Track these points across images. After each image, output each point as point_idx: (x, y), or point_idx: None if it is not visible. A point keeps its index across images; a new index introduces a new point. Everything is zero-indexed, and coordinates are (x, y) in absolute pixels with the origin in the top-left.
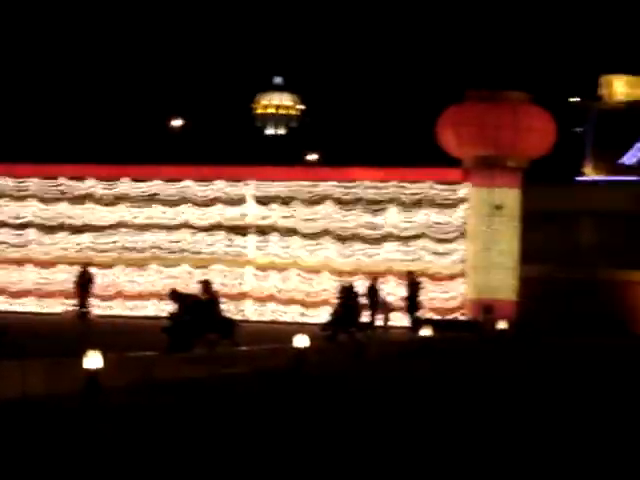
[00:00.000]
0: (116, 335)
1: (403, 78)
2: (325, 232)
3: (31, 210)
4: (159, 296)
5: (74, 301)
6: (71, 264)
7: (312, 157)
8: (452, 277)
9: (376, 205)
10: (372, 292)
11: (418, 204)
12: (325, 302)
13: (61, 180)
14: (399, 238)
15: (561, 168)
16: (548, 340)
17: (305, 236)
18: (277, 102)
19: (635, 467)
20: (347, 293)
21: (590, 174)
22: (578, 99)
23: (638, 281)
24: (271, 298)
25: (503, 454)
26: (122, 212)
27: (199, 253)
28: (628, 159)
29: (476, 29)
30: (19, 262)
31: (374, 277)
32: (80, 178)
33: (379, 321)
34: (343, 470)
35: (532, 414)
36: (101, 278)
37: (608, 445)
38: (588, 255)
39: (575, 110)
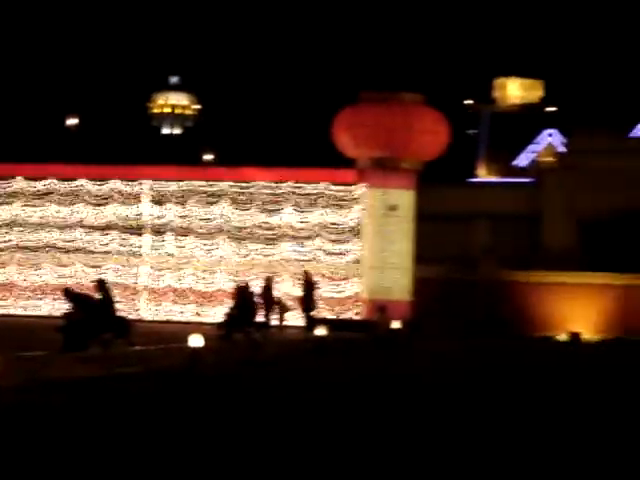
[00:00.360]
0: (10, 334)
1: (299, 79)
2: (220, 231)
3: None
4: (53, 295)
5: None
6: None
7: (208, 157)
8: (347, 277)
9: (271, 205)
10: (267, 292)
11: (313, 204)
12: (220, 302)
13: None
14: (295, 238)
15: (455, 170)
16: (438, 341)
17: (200, 235)
18: (173, 102)
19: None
20: (242, 293)
21: (484, 176)
22: (472, 102)
23: (529, 282)
24: (166, 297)
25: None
26: (16, 210)
27: (93, 252)
28: (521, 161)
29: (371, 30)
30: None
31: (269, 277)
32: None
33: (274, 320)
34: (231, 469)
35: (415, 414)
36: None
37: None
38: (481, 255)
39: (469, 112)
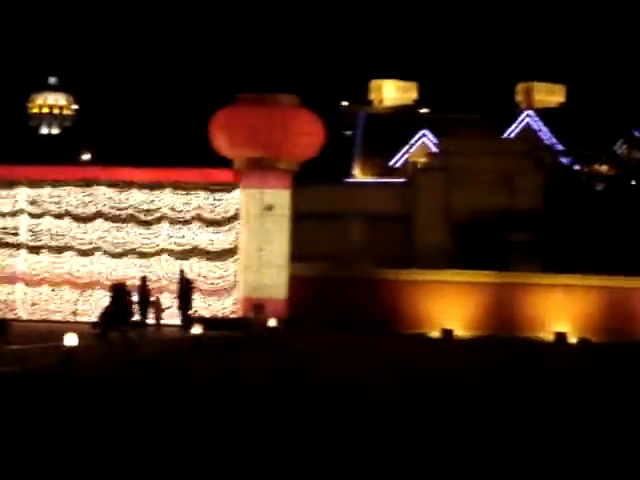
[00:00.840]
0: None
1: (177, 79)
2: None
3: None
4: None
5: None
6: None
7: (86, 157)
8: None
9: (149, 204)
10: (143, 291)
11: (189, 204)
12: (96, 300)
13: None
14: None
15: (332, 170)
16: (314, 339)
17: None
18: (52, 102)
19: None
20: (118, 292)
21: (359, 176)
22: (348, 103)
23: (402, 280)
24: (42, 297)
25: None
26: None
27: None
28: (396, 161)
29: (247, 32)
30: None
31: (144, 276)
32: None
33: (150, 319)
34: (99, 466)
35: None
36: None
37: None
38: (357, 254)
39: (346, 113)
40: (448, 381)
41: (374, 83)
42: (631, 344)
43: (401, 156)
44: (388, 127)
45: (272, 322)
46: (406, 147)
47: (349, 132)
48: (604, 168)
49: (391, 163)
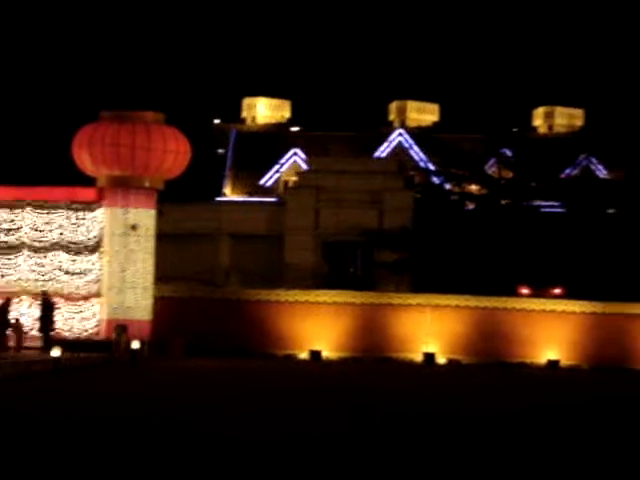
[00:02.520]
0: None
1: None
2: None
3: None
4: None
5: None
6: None
7: None
8: (87, 297)
9: (9, 224)
10: (3, 312)
11: (51, 224)
12: None
13: None
14: (33, 257)
15: (203, 188)
16: (179, 360)
17: None
18: None
19: None
20: None
21: (230, 195)
22: (220, 121)
23: (272, 300)
24: None
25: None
26: None
27: None
28: (267, 180)
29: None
30: None
31: (6, 297)
32: None
33: (11, 342)
34: None
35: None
36: None
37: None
38: (226, 274)
39: (218, 131)
40: (310, 401)
41: (246, 101)
42: (498, 364)
43: (272, 175)
44: (259, 145)
45: (135, 344)
46: (277, 166)
47: (221, 150)
48: (474, 188)
49: (262, 182)
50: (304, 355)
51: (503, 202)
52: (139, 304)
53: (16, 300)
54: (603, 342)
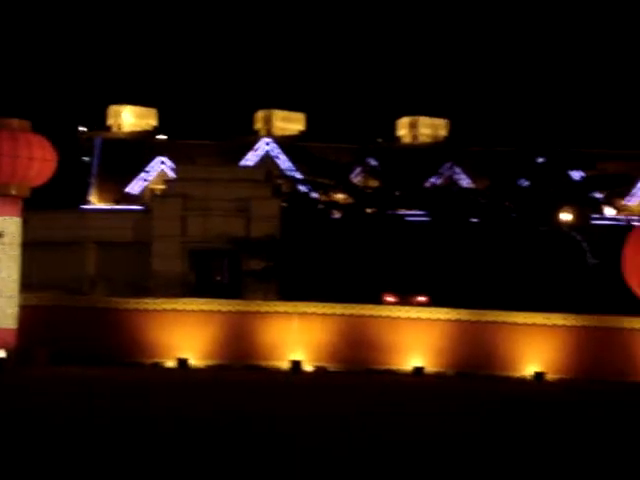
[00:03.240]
0: None
1: None
2: None
3: None
4: None
5: None
6: None
7: None
8: None
9: None
10: None
11: None
12: None
13: None
14: None
15: (69, 196)
16: (46, 369)
17: None
18: None
19: None
20: None
21: (96, 202)
22: (86, 129)
23: (139, 308)
24: None
25: None
26: None
27: None
28: (133, 188)
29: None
30: None
31: None
32: None
33: None
34: None
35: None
36: None
37: None
38: (92, 282)
39: (84, 139)
40: (170, 411)
41: (112, 109)
42: (365, 371)
43: (138, 183)
44: (125, 153)
45: (1, 353)
46: (143, 174)
47: (87, 158)
48: (341, 196)
49: (128, 190)
50: (171, 363)
51: (369, 211)
52: (4, 313)
53: None
54: (468, 349)
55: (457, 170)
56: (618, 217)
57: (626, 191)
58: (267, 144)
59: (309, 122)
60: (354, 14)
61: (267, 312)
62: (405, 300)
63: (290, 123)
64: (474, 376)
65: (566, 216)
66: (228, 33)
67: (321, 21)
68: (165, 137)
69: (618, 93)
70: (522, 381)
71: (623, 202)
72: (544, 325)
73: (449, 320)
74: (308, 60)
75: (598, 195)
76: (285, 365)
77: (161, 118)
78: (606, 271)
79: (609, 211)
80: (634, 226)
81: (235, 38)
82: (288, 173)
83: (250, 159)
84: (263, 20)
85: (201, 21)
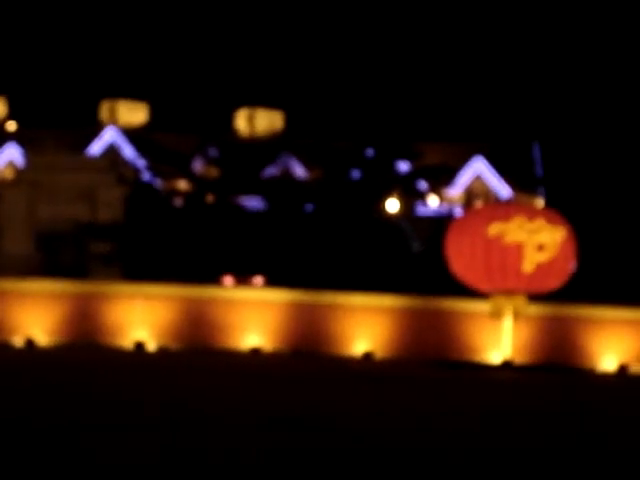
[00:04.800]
0: None
1: None
2: None
3: None
4: None
5: None
6: None
7: None
8: None
9: None
10: None
11: None
12: None
13: None
14: None
15: None
16: None
17: None
18: None
19: None
20: None
21: None
22: None
23: None
24: None
25: None
26: None
27: None
28: None
29: None
30: None
31: None
32: None
33: None
34: None
35: None
36: None
37: None
38: None
39: None
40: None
41: None
42: (204, 350)
43: None
44: None
45: None
46: None
47: None
48: (182, 184)
49: None
50: (19, 342)
51: (209, 199)
52: None
53: None
54: (303, 328)
55: (293, 160)
56: (441, 206)
57: (448, 182)
58: (112, 133)
59: (153, 112)
60: (187, 4)
61: (112, 293)
62: (243, 281)
63: (134, 113)
64: (310, 355)
65: (393, 205)
66: (75, 20)
67: (158, 11)
68: (15, 124)
69: (441, 86)
70: (352, 359)
71: (445, 192)
72: (375, 306)
73: (285, 301)
74: (150, 51)
75: (423, 185)
76: (129, 345)
77: (11, 106)
78: (430, 257)
79: (433, 201)
80: (455, 215)
81: (80, 26)
82: (132, 161)
83: (96, 148)
84: (102, 8)
85: (38, 6)
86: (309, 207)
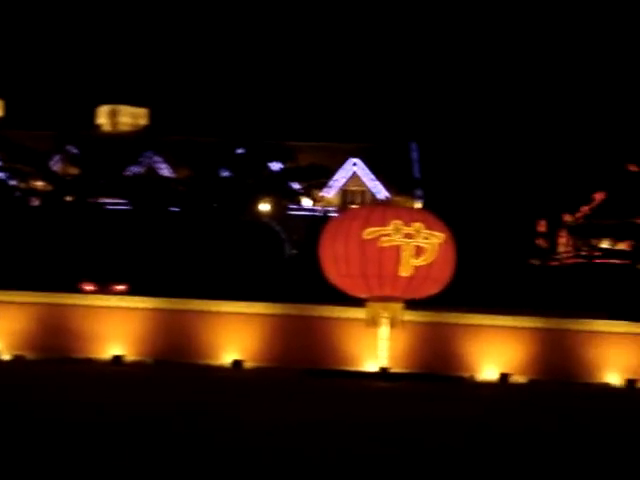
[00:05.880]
0: None
1: None
2: None
3: None
4: None
5: None
6: None
7: None
8: None
9: None
10: None
11: None
12: None
13: None
14: None
15: None
16: None
17: None
18: None
19: None
20: None
21: None
22: None
23: None
24: None
25: None
26: None
27: None
28: None
29: None
30: None
31: None
32: None
33: None
34: None
35: None
36: None
37: None
38: None
39: None
40: None
41: None
42: (65, 360)
43: None
44: None
45: None
46: None
47: None
48: (40, 184)
49: None
50: None
51: (68, 198)
52: None
53: None
54: (167, 337)
55: (157, 159)
56: (315, 208)
57: (323, 183)
58: None
59: (7, 108)
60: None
61: None
62: (104, 289)
63: None
64: (174, 364)
65: (265, 206)
66: None
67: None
68: None
69: (318, 86)
70: (221, 368)
71: (320, 193)
72: (244, 314)
73: (148, 308)
74: (5, 44)
75: (297, 186)
76: None
77: None
78: (304, 261)
79: (307, 202)
80: (330, 217)
81: None
82: None
83: None
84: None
85: None
86: (176, 208)
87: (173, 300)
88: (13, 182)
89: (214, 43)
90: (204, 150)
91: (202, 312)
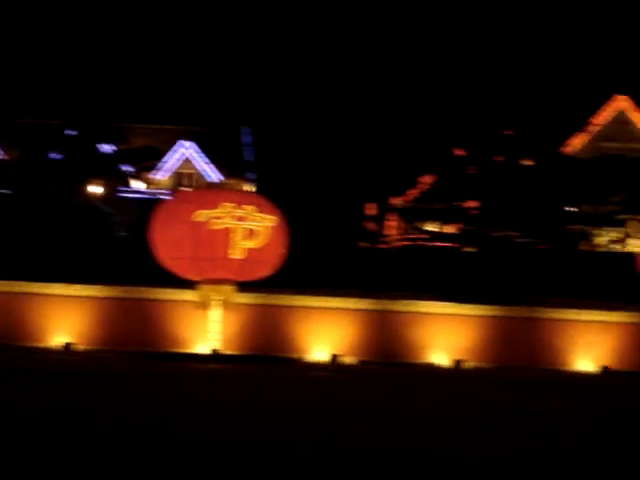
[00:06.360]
0: None
1: None
2: None
3: None
4: None
5: None
6: None
7: None
8: None
9: None
10: None
11: None
12: None
13: None
14: None
15: None
16: None
17: None
18: None
19: None
20: None
21: None
22: None
23: None
24: None
25: None
26: None
27: None
28: None
29: None
30: None
31: None
32: None
33: None
34: None
35: None
36: None
37: None
38: None
39: None
40: None
41: None
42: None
43: None
44: None
45: None
46: None
47: None
48: None
49: None
50: None
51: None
52: None
53: None
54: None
55: None
56: (147, 190)
57: (154, 165)
58: None
59: None
60: None
61: None
62: None
63: None
64: (8, 347)
65: (96, 188)
66: None
67: None
68: None
69: (149, 69)
70: (51, 351)
71: (151, 176)
72: (76, 297)
73: None
74: None
75: (128, 168)
76: None
77: None
78: (135, 243)
79: (138, 184)
80: (162, 199)
81: None
82: None
83: None
84: None
85: None
86: (5, 190)
87: (3, 282)
88: None
89: (42, 19)
90: (34, 131)
91: (32, 294)
